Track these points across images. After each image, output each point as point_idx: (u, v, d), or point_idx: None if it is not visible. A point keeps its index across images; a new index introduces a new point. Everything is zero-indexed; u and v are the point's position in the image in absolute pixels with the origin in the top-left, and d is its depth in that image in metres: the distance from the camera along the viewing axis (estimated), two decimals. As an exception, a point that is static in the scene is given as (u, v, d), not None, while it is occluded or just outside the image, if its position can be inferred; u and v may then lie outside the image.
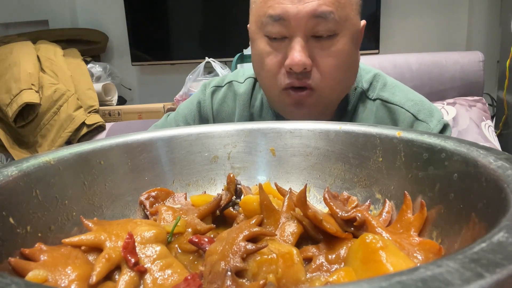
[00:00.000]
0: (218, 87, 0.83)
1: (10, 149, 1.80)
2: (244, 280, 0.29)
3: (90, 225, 0.35)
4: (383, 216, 0.41)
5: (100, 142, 0.46)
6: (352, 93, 0.75)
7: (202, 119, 0.83)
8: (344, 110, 0.75)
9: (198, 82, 1.88)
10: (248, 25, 0.72)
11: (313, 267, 0.34)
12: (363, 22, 0.70)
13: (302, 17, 0.60)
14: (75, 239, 0.34)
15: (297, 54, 0.61)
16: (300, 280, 0.31)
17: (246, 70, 0.85)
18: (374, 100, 0.74)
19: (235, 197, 0.45)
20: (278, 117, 0.75)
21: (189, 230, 0.38)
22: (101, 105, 1.96)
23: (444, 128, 0.71)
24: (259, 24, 0.65)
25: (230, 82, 0.82)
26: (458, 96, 1.64)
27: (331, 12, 0.60)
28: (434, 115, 0.72)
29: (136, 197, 0.47)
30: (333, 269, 0.33)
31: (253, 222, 0.36)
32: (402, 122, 0.72)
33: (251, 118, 0.79)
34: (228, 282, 0.28)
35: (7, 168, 0.36)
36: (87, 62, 2.12)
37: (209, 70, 1.94)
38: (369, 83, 0.76)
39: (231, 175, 0.45)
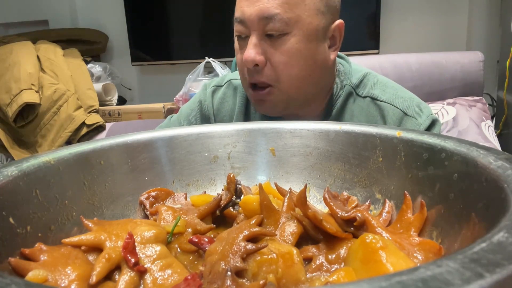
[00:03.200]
0: (218, 87, 0.87)
1: (10, 149, 1.80)
2: (244, 280, 0.29)
3: (90, 225, 0.35)
4: (383, 216, 0.41)
5: (100, 142, 0.46)
6: (341, 91, 0.77)
7: (204, 118, 0.86)
8: (333, 107, 0.77)
9: (198, 82, 1.88)
10: None
11: (313, 267, 0.34)
12: (338, 21, 0.73)
13: (254, 18, 0.67)
14: (75, 239, 0.34)
15: (249, 51, 0.67)
16: (300, 280, 0.31)
17: None
18: (365, 97, 0.77)
19: (235, 197, 0.45)
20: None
21: (189, 230, 0.38)
22: (101, 105, 1.95)
23: (433, 123, 0.73)
24: (233, 24, 0.73)
25: (229, 81, 0.86)
26: (458, 96, 1.64)
27: (277, 14, 0.66)
28: (424, 111, 0.73)
29: (136, 197, 0.47)
30: (333, 269, 0.33)
31: (253, 222, 0.36)
32: (391, 119, 0.74)
33: (248, 113, 0.83)
34: (228, 282, 0.28)
35: (7, 168, 0.36)
36: (87, 62, 2.12)
37: (209, 70, 1.94)
38: (359, 81, 0.78)
39: (231, 175, 0.45)
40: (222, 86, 0.86)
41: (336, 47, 0.74)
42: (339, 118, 0.77)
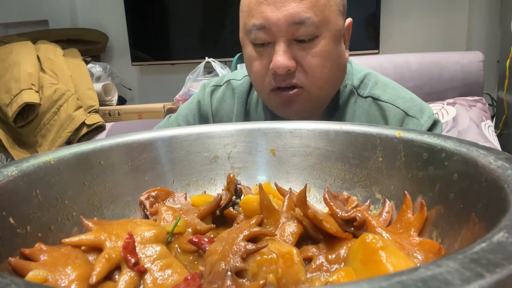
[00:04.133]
0: (217, 86, 0.86)
1: (10, 149, 1.79)
2: (244, 280, 0.29)
3: (90, 225, 0.35)
4: (383, 216, 0.41)
5: (100, 142, 0.46)
6: (343, 91, 0.77)
7: (202, 118, 0.85)
8: (335, 107, 0.77)
9: (198, 82, 1.88)
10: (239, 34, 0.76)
11: (313, 267, 0.34)
12: (348, 20, 0.73)
13: (282, 24, 0.64)
14: (75, 239, 0.34)
15: (279, 58, 0.64)
16: (300, 280, 0.31)
17: (244, 70, 0.88)
18: (366, 97, 0.76)
19: (235, 197, 0.45)
20: (273, 113, 0.77)
21: (189, 230, 0.38)
22: (101, 105, 1.95)
23: (434, 124, 0.73)
24: (246, 31, 0.69)
25: (228, 81, 0.85)
26: (458, 96, 1.64)
27: (309, 18, 0.64)
28: (425, 112, 0.73)
29: (136, 197, 0.47)
30: (333, 269, 0.33)
31: (253, 222, 0.36)
32: (393, 119, 0.74)
33: (247, 113, 0.82)
34: (228, 282, 0.28)
35: (7, 168, 0.36)
36: (87, 62, 2.12)
37: (209, 70, 1.94)
38: (360, 81, 0.78)
39: (231, 175, 0.45)
40: (221, 86, 0.85)
41: (347, 45, 0.74)
42: (341, 118, 0.77)
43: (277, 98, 0.69)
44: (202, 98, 0.85)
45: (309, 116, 0.74)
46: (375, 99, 0.76)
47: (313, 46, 0.66)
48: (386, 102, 0.75)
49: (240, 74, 0.87)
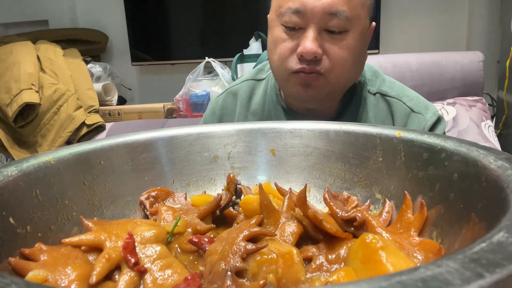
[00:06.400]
0: (218, 97, 0.91)
1: (10, 149, 1.79)
2: (244, 280, 0.29)
3: (90, 225, 0.35)
4: (383, 216, 0.41)
5: (100, 142, 0.46)
6: (357, 86, 0.80)
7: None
8: (347, 102, 0.80)
9: (198, 82, 1.88)
10: (268, 15, 0.78)
11: (313, 267, 0.34)
12: (373, 24, 0.76)
13: (318, 12, 0.67)
14: (75, 239, 0.34)
15: (309, 43, 0.67)
16: (300, 280, 0.31)
17: (242, 76, 0.94)
18: (375, 94, 0.80)
19: (235, 197, 0.45)
20: (285, 109, 0.81)
21: (189, 230, 0.38)
22: (101, 105, 1.95)
23: (439, 120, 0.76)
24: (278, 13, 0.72)
25: (227, 90, 0.90)
26: (458, 96, 1.64)
27: (344, 11, 0.67)
28: (429, 109, 0.77)
29: (136, 197, 0.47)
30: (333, 269, 0.33)
31: (253, 222, 0.36)
32: (399, 114, 0.77)
33: (249, 113, 0.85)
34: (228, 282, 0.28)
35: (7, 168, 0.36)
36: (87, 62, 2.12)
37: (209, 70, 1.94)
38: (369, 78, 0.82)
39: (231, 175, 0.45)
40: (221, 95, 0.90)
41: (366, 46, 0.77)
42: (352, 113, 0.79)
43: (296, 80, 0.71)
44: (204, 118, 0.90)
45: (322, 106, 0.77)
46: (383, 95, 0.79)
47: (342, 39, 0.69)
48: (394, 98, 0.78)
49: (238, 81, 0.91)
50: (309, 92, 0.72)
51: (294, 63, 0.70)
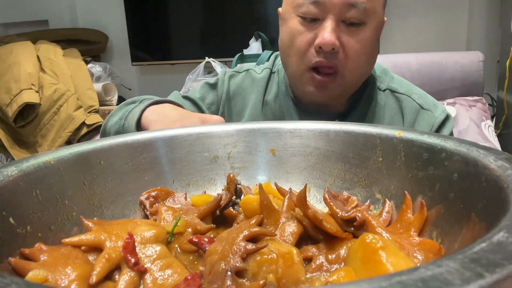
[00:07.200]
0: (236, 72, 0.88)
1: (10, 149, 1.80)
2: (244, 280, 0.29)
3: (90, 225, 0.35)
4: (383, 216, 0.41)
5: (100, 142, 0.46)
6: (363, 84, 0.80)
7: (212, 97, 0.86)
8: (358, 99, 0.80)
9: (198, 82, 1.88)
10: (279, 9, 0.78)
11: (313, 267, 0.34)
12: (385, 19, 0.76)
13: (337, 2, 0.66)
14: (75, 239, 0.34)
15: (327, 34, 0.66)
16: (300, 280, 0.31)
17: (262, 65, 0.91)
18: (384, 90, 0.81)
19: (235, 197, 0.45)
20: (295, 102, 0.80)
21: (189, 230, 0.38)
22: (101, 105, 1.95)
23: (447, 117, 0.77)
24: (295, 5, 0.71)
25: (247, 70, 0.87)
26: (458, 96, 1.64)
27: (362, 2, 0.67)
28: (438, 106, 0.79)
29: (136, 197, 0.47)
30: (333, 269, 0.33)
31: (253, 222, 0.36)
32: (409, 110, 0.78)
33: (265, 103, 0.83)
34: (228, 282, 0.28)
35: (7, 168, 0.36)
36: (87, 62, 2.12)
37: (209, 70, 1.94)
38: (379, 75, 0.83)
39: (231, 175, 0.45)
40: (240, 72, 0.87)
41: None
42: (364, 109, 0.80)
43: (311, 81, 0.71)
44: (222, 79, 0.86)
45: (333, 103, 0.77)
46: (392, 91, 0.80)
47: (359, 31, 0.69)
48: (403, 94, 0.79)
49: (258, 67, 0.89)
50: (323, 93, 0.72)
51: (312, 57, 0.69)
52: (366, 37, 0.69)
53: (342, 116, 0.79)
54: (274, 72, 0.86)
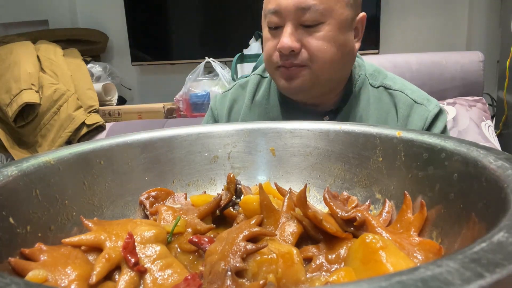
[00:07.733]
0: (226, 91, 0.95)
1: (10, 149, 1.79)
2: (244, 280, 0.29)
3: (90, 225, 0.35)
4: (383, 216, 0.41)
5: (100, 142, 0.46)
6: (356, 80, 0.84)
7: (216, 121, 0.95)
8: (348, 94, 0.84)
9: (198, 82, 1.88)
10: None
11: (313, 267, 0.34)
12: (361, 14, 0.79)
13: (291, 9, 0.73)
14: (75, 239, 0.34)
15: (285, 39, 0.73)
16: (300, 280, 0.31)
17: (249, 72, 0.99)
18: (378, 87, 0.84)
19: (235, 197, 0.45)
20: (284, 100, 0.85)
21: (189, 230, 0.38)
22: (101, 105, 1.95)
23: (441, 111, 0.81)
24: (264, 16, 0.79)
25: (236, 84, 0.94)
26: (458, 96, 1.64)
27: (314, 5, 0.72)
28: (431, 101, 0.82)
29: (136, 197, 0.47)
30: (333, 269, 0.33)
31: (253, 222, 0.36)
32: (402, 105, 0.81)
33: (256, 105, 0.89)
34: (228, 282, 0.28)
35: (7, 168, 0.36)
36: (87, 62, 2.11)
37: (209, 70, 1.94)
38: (371, 73, 0.86)
39: (231, 175, 0.45)
40: (230, 89, 0.94)
41: (359, 37, 0.81)
42: (354, 105, 0.83)
43: (281, 76, 0.78)
44: (214, 104, 0.94)
45: (320, 99, 0.81)
46: (386, 88, 0.83)
47: (317, 30, 0.74)
48: (397, 90, 0.82)
49: (245, 76, 0.96)
50: (293, 84, 0.77)
51: (276, 59, 0.77)
52: (327, 34, 0.73)
53: (331, 113, 0.83)
54: (266, 77, 0.91)
